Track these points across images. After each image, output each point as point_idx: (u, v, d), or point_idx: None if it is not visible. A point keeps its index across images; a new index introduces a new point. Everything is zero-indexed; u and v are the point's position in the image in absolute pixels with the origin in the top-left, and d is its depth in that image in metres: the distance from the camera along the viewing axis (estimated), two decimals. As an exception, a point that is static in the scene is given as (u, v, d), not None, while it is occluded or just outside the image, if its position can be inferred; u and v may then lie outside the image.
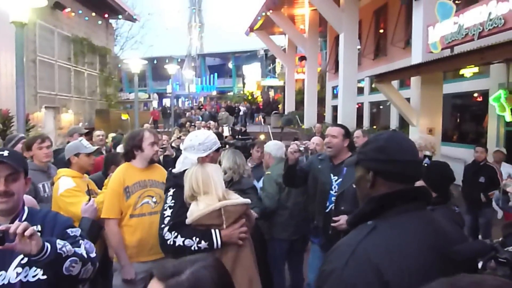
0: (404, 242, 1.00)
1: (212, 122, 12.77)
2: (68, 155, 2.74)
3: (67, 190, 2.55)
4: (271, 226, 3.27)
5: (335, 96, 15.96)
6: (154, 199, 2.50)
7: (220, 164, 2.89)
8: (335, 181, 2.83)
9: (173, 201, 2.07)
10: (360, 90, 13.25)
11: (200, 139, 2.18)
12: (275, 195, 3.22)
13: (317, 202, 2.86)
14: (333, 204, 2.76)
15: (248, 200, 2.03)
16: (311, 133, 10.82)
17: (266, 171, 3.47)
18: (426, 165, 2.20)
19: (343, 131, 2.86)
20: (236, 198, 2.00)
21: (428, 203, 1.15)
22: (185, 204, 2.01)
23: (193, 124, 12.32)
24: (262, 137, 12.94)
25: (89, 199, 2.44)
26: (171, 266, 0.77)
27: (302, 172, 2.91)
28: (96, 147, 2.94)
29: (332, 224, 2.62)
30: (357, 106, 11.71)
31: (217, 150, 2.25)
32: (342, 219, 2.60)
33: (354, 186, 2.63)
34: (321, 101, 17.38)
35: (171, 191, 2.12)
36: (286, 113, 20.31)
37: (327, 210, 2.79)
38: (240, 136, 8.71)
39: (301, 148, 2.75)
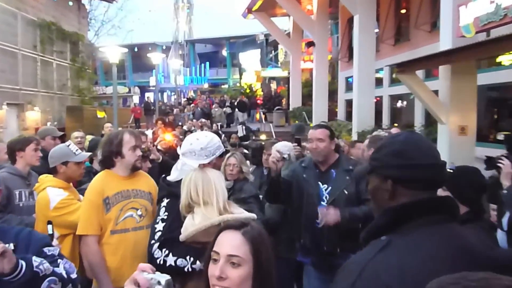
0: (420, 261, 1.00)
1: (203, 120, 12.76)
2: (55, 163, 2.75)
3: (61, 201, 2.60)
4: (276, 243, 3.29)
5: (349, 88, 16.01)
6: (139, 212, 2.51)
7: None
8: (325, 190, 2.89)
9: (166, 213, 2.09)
10: (379, 82, 13.28)
11: (202, 143, 2.20)
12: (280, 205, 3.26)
13: (303, 217, 2.92)
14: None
15: (253, 215, 2.03)
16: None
17: None
18: (451, 171, 2.11)
19: (329, 132, 2.94)
20: (240, 213, 2.00)
21: (455, 217, 1.14)
22: (180, 217, 2.02)
23: (180, 123, 12.31)
24: (263, 137, 13.04)
25: None
26: (238, 221, 1.34)
27: (285, 184, 2.95)
28: (88, 154, 2.97)
29: (320, 221, 2.67)
30: (375, 100, 11.74)
31: (221, 155, 2.26)
32: (331, 212, 2.65)
33: (346, 192, 2.78)
34: (332, 95, 17.44)
35: (165, 201, 2.14)
36: (291, 108, 20.38)
37: (319, 225, 2.82)
38: (254, 137, 8.73)
39: (285, 156, 2.79)
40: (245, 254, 1.23)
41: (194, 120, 13.06)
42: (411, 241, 1.04)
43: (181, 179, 2.12)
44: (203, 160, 2.18)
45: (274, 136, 13.74)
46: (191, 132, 7.87)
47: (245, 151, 5.89)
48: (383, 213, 1.11)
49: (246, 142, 6.45)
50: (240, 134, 9.18)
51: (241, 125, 8.99)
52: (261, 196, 3.41)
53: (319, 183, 2.90)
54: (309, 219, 2.88)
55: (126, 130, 2.76)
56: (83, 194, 2.72)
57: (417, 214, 1.08)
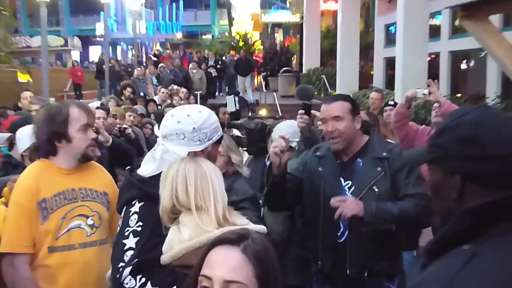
0: None
1: (176, 88, 12.62)
2: None
3: None
4: (281, 266, 3.36)
5: (390, 41, 15.96)
6: (89, 221, 2.54)
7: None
8: (348, 187, 2.93)
9: (139, 223, 2.08)
10: (434, 32, 13.25)
11: (195, 121, 2.18)
12: (280, 214, 3.34)
13: (321, 229, 2.95)
14: (346, 229, 2.88)
15: (263, 228, 2.06)
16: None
17: None
18: None
19: (349, 106, 2.94)
20: (245, 223, 2.01)
21: None
22: (161, 229, 2.01)
23: (142, 93, 12.16)
24: (263, 112, 12.92)
25: None
26: (234, 232, 1.37)
27: (293, 184, 2.97)
28: (6, 135, 2.99)
29: (337, 214, 2.70)
30: (428, 58, 11.72)
31: (218, 141, 2.28)
32: (348, 201, 2.70)
33: (377, 190, 2.83)
34: (365, 50, 17.37)
35: (136, 206, 2.13)
36: (304, 71, 20.35)
37: (341, 239, 2.88)
38: (251, 114, 8.55)
39: (293, 144, 2.79)
40: (247, 278, 1.26)
41: (161, 88, 12.96)
42: (505, 249, 1.11)
43: (159, 174, 2.11)
44: (195, 147, 2.17)
45: (280, 112, 13.71)
46: (171, 107, 7.87)
47: (237, 133, 5.83)
48: (462, 216, 1.17)
49: (239, 121, 6.36)
50: (231, 108, 9.04)
51: (232, 96, 8.83)
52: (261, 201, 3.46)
53: (341, 179, 2.94)
54: (328, 232, 2.92)
55: (74, 102, 2.77)
56: None
57: (507, 216, 1.14)
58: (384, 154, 2.92)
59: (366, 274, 2.85)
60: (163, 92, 11.54)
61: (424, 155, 1.33)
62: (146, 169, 2.24)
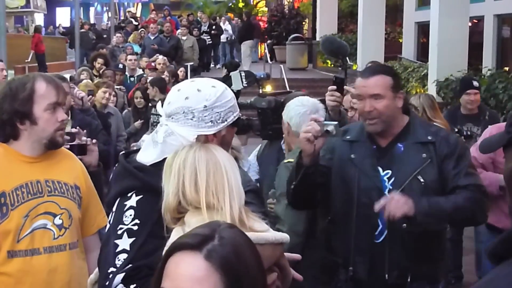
0: None
1: (161, 58, 12.54)
2: None
3: None
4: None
5: (423, 2, 15.92)
6: (58, 220, 2.56)
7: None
8: (387, 178, 2.96)
9: (136, 220, 2.07)
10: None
11: (207, 97, 2.14)
12: (303, 211, 3.34)
13: (355, 228, 2.98)
14: (385, 227, 2.93)
15: (285, 237, 2.06)
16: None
17: (286, 158, 3.62)
18: None
19: (391, 81, 3.00)
20: (264, 230, 2.00)
21: None
22: (162, 230, 1.99)
23: (120, 64, 12.07)
24: (268, 89, 12.88)
25: None
26: (198, 232, 1.35)
27: (323, 175, 3.02)
28: None
29: (386, 216, 2.74)
30: (469, 24, 11.67)
31: (234, 124, 2.23)
32: (396, 199, 2.72)
33: (422, 180, 2.86)
34: (393, 14, 17.31)
35: (133, 199, 2.11)
36: (318, 38, 20.27)
37: (379, 240, 2.93)
38: (261, 90, 8.48)
39: (330, 129, 2.80)
40: None
41: (145, 59, 12.92)
42: None
43: (162, 161, 2.06)
44: (206, 129, 2.13)
45: (288, 87, 13.70)
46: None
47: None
48: None
49: (248, 101, 6.22)
50: (238, 86, 8.90)
51: (238, 72, 8.69)
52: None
53: (379, 168, 2.96)
54: (364, 231, 2.96)
55: (41, 75, 2.75)
56: None
57: None
58: (429, 137, 2.97)
59: (409, 280, 2.89)
60: (130, 60, 11.33)
61: (500, 139, 1.34)
62: (146, 156, 2.20)
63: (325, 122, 2.81)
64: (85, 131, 3.76)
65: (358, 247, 2.97)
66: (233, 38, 21.84)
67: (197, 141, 2.09)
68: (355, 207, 2.96)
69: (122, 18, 29.29)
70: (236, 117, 2.23)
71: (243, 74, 6.19)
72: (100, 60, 9.96)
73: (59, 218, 2.55)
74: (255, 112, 4.18)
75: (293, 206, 3.18)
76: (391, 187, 2.92)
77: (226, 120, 2.17)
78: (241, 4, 25.73)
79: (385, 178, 2.96)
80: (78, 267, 2.64)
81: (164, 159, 2.05)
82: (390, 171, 2.95)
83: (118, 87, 8.82)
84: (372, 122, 2.95)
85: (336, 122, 2.83)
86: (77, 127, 3.58)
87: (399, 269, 2.89)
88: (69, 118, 4.40)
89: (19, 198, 2.51)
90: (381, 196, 2.86)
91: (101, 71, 9.47)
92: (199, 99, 2.12)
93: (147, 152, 2.20)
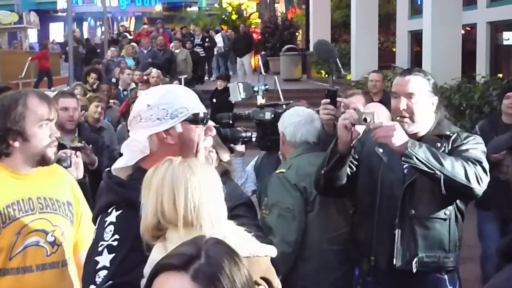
0: None
1: (155, 71, 12.51)
2: None
3: None
4: (288, 285, 3.36)
5: (416, 11, 15.95)
6: (50, 238, 2.54)
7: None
8: (407, 171, 3.12)
9: (116, 236, 2.06)
10: (470, -2, 13.26)
11: (149, 97, 2.19)
12: (294, 221, 3.39)
13: (378, 221, 3.15)
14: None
15: (272, 250, 2.07)
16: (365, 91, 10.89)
17: (279, 168, 3.65)
18: None
19: (428, 83, 3.13)
20: (249, 243, 2.02)
21: None
22: (141, 244, 1.98)
23: (113, 78, 12.02)
24: (261, 100, 12.88)
25: None
26: (183, 252, 1.31)
27: (352, 165, 3.17)
28: None
29: (374, 138, 2.93)
30: (462, 32, 11.70)
31: (194, 121, 2.19)
32: (389, 125, 2.85)
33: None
34: (386, 23, 17.36)
35: (113, 215, 2.11)
36: (312, 49, 20.33)
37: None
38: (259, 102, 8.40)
39: (369, 118, 2.83)
40: None
41: (137, 72, 12.92)
42: None
43: (141, 174, 2.05)
44: (155, 127, 2.13)
45: (282, 98, 13.72)
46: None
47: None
48: None
49: (245, 112, 6.17)
50: (236, 98, 8.84)
51: (235, 83, 8.61)
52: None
53: (402, 162, 3.03)
54: (384, 223, 3.12)
55: (33, 91, 2.75)
56: None
57: None
58: (447, 132, 3.09)
59: (415, 265, 3.01)
60: (128, 74, 11.31)
61: (508, 141, 1.37)
62: (117, 163, 2.23)
63: (364, 111, 2.87)
64: (90, 145, 3.93)
65: (380, 237, 3.12)
66: (223, 50, 21.94)
67: (151, 143, 2.13)
68: (377, 199, 3.11)
69: (116, 32, 29.31)
70: (194, 114, 2.19)
71: (240, 85, 6.14)
72: (93, 75, 9.89)
73: (52, 235, 2.54)
74: (253, 123, 4.24)
75: (320, 192, 3.29)
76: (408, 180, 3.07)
77: (177, 116, 2.15)
78: (234, 16, 25.79)
79: (405, 171, 3.08)
80: (69, 285, 2.63)
81: (143, 170, 2.07)
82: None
83: (112, 101, 8.83)
84: (403, 120, 3.04)
85: (374, 111, 2.88)
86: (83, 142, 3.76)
87: (406, 249, 3.03)
88: (76, 134, 4.54)
89: (10, 216, 2.49)
90: (401, 189, 3.07)
91: (94, 86, 9.45)
92: (143, 101, 2.18)
93: (119, 159, 2.24)
